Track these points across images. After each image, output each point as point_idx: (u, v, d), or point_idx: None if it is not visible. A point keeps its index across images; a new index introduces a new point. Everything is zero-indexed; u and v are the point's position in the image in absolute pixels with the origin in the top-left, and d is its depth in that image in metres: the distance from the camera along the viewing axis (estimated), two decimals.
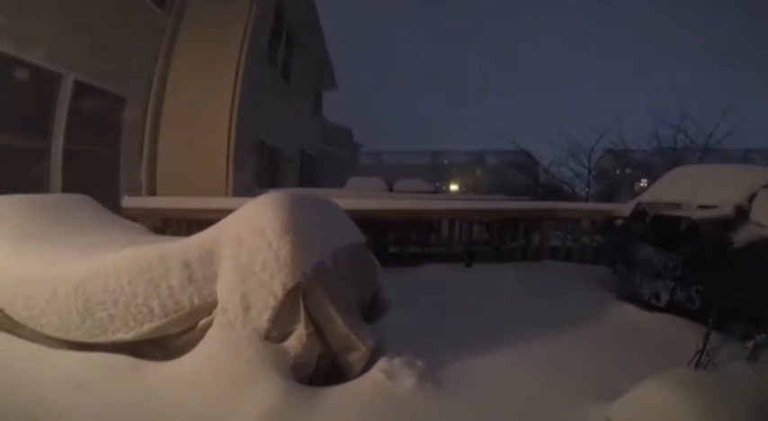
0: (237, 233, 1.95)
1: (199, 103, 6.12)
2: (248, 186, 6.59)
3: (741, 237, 2.56)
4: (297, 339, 1.80)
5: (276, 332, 1.80)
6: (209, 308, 1.90)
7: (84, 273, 2.01)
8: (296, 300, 1.82)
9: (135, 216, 3.93)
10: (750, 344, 1.67)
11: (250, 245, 1.90)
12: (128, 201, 4.48)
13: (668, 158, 11.60)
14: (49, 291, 2.03)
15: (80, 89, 4.62)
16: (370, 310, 2.63)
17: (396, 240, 4.71)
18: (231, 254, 1.90)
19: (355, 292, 2.28)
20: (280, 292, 1.80)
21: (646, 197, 3.59)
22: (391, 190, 10.09)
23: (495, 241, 4.82)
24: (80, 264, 2.06)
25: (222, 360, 1.74)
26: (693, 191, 3.11)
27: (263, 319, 1.79)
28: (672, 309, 2.84)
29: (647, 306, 3.05)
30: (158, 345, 1.95)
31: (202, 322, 1.89)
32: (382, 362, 1.86)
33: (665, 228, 3.13)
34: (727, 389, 1.43)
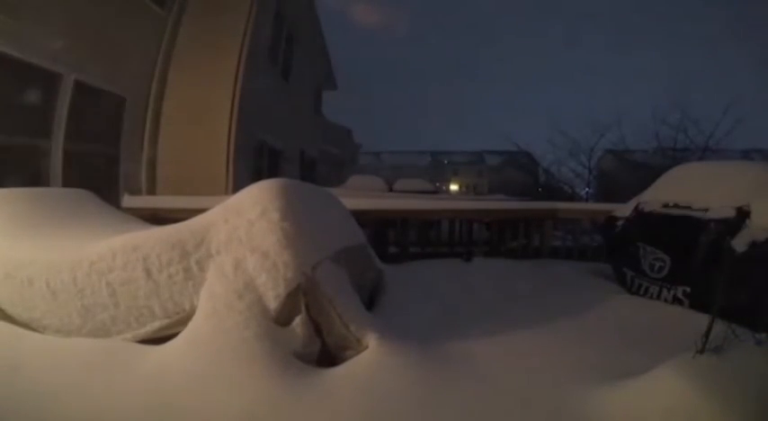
0: (234, 223, 1.93)
1: (199, 102, 6.12)
2: (248, 186, 6.58)
3: (744, 236, 2.55)
4: (298, 328, 1.79)
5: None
6: None
7: (80, 258, 2.00)
8: (296, 300, 1.82)
9: (135, 215, 3.92)
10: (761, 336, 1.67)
11: (248, 238, 1.88)
12: (128, 201, 4.47)
13: (668, 158, 11.62)
14: (47, 288, 2.02)
15: (80, 89, 4.62)
16: (371, 298, 2.62)
17: (396, 240, 4.71)
18: (227, 243, 1.89)
19: (355, 287, 2.27)
20: (282, 293, 1.79)
21: (646, 197, 3.58)
22: (391, 190, 10.10)
23: (495, 241, 4.82)
24: (76, 251, 2.06)
25: (217, 343, 1.73)
26: (694, 190, 3.10)
27: (266, 321, 1.78)
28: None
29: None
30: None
31: None
32: (379, 343, 1.83)
33: (667, 229, 3.12)
34: (736, 374, 1.43)
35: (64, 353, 1.84)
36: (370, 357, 1.76)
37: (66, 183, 4.37)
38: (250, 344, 1.69)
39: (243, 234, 1.89)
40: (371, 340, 1.81)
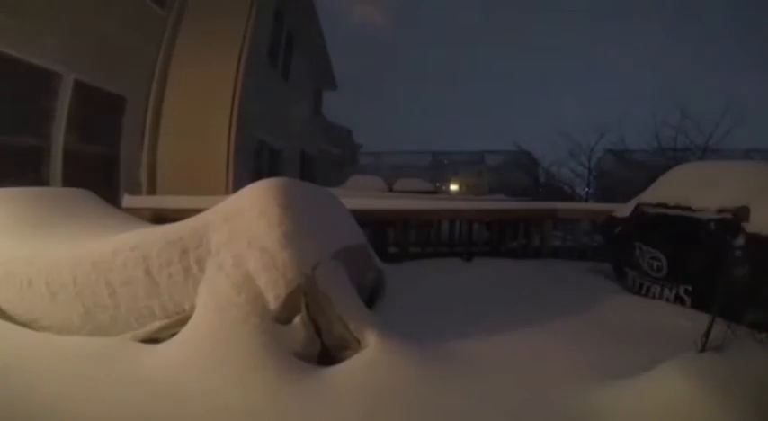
0: (234, 222, 1.93)
1: (199, 102, 6.12)
2: (248, 185, 6.57)
3: (743, 236, 2.55)
4: (298, 328, 1.79)
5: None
6: None
7: (80, 257, 2.00)
8: (297, 300, 1.82)
9: (135, 215, 3.91)
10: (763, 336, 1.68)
11: (248, 236, 1.88)
12: (128, 201, 4.47)
13: (668, 158, 11.61)
14: (46, 288, 2.02)
15: (80, 89, 4.62)
16: (371, 298, 2.62)
17: (396, 240, 4.70)
18: (227, 242, 1.89)
19: (355, 287, 2.26)
20: (283, 294, 1.79)
21: (646, 197, 3.58)
22: (391, 190, 10.10)
23: (495, 241, 4.82)
24: (76, 250, 2.05)
25: (217, 338, 1.73)
26: (694, 190, 3.10)
27: (265, 317, 1.78)
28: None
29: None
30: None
31: None
32: (379, 342, 1.82)
33: (667, 229, 3.12)
34: (737, 372, 1.43)
35: (64, 351, 1.84)
36: (371, 356, 1.75)
37: (66, 182, 4.37)
38: (249, 339, 1.69)
39: (243, 233, 1.89)
40: (371, 339, 1.81)
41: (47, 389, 1.58)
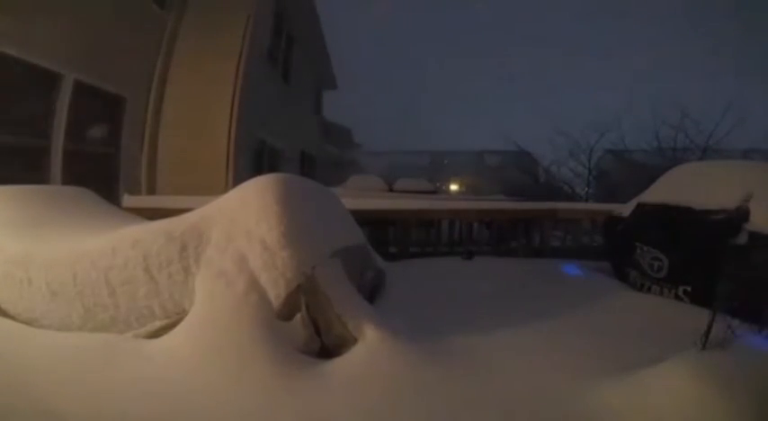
0: (233, 218, 1.93)
1: (199, 102, 6.12)
2: (247, 181, 6.56)
3: (743, 236, 2.56)
4: (298, 327, 1.79)
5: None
6: None
7: (80, 256, 2.00)
8: (297, 300, 1.82)
9: (135, 215, 3.91)
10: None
11: (248, 233, 1.87)
12: (128, 200, 4.47)
13: (668, 158, 11.60)
14: (46, 288, 2.02)
15: (80, 89, 4.62)
16: (371, 297, 2.63)
17: (396, 240, 4.70)
18: (226, 239, 1.89)
19: (355, 286, 2.26)
20: (283, 294, 1.79)
21: (646, 197, 3.58)
22: (391, 190, 10.11)
23: (495, 241, 4.82)
24: (76, 248, 2.05)
25: (215, 333, 1.73)
26: (694, 190, 3.10)
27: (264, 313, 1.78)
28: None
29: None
30: None
31: None
32: (379, 339, 1.82)
33: (667, 229, 3.12)
34: (742, 368, 1.44)
35: (63, 347, 1.83)
36: (369, 349, 1.75)
37: (66, 182, 4.37)
38: (248, 333, 1.69)
39: (242, 229, 1.88)
40: (370, 334, 1.81)
41: (50, 384, 1.57)
